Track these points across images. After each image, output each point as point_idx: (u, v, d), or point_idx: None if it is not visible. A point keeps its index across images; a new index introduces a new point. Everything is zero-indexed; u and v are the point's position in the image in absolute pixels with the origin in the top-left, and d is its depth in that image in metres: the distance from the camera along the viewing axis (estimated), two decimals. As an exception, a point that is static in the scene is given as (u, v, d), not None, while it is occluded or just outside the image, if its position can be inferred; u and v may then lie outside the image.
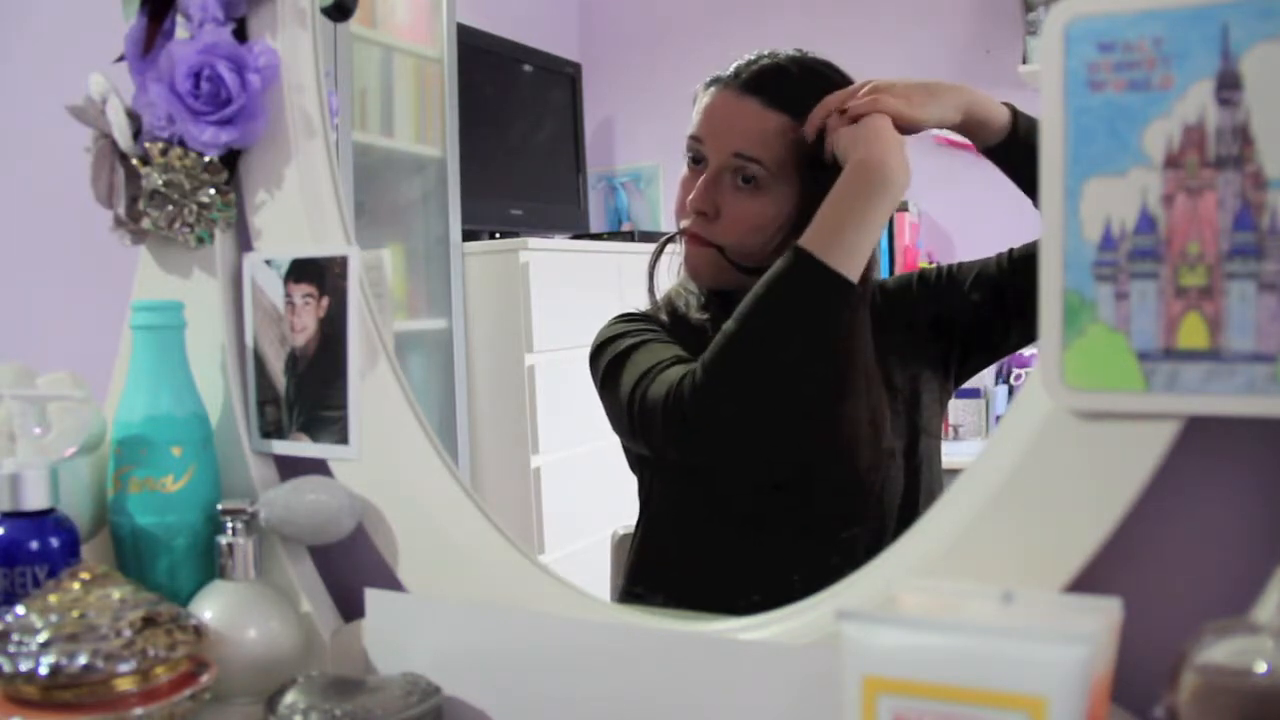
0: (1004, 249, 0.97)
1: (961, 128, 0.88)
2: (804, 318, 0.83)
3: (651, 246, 1.01)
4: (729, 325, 0.84)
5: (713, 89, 0.94)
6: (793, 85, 0.92)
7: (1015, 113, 0.90)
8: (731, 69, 0.94)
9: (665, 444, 0.89)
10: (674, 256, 1.00)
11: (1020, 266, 0.94)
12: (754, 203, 0.91)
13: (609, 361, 0.94)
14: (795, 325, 0.83)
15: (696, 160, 0.94)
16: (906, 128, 0.86)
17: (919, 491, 0.96)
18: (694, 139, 0.94)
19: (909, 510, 0.95)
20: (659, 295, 1.01)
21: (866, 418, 0.92)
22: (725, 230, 0.92)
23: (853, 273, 0.82)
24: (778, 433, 0.87)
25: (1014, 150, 0.88)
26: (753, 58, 0.94)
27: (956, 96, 0.88)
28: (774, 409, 0.84)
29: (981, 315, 0.97)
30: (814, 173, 0.90)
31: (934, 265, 1.03)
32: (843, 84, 0.93)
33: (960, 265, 1.00)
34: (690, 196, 0.93)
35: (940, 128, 0.88)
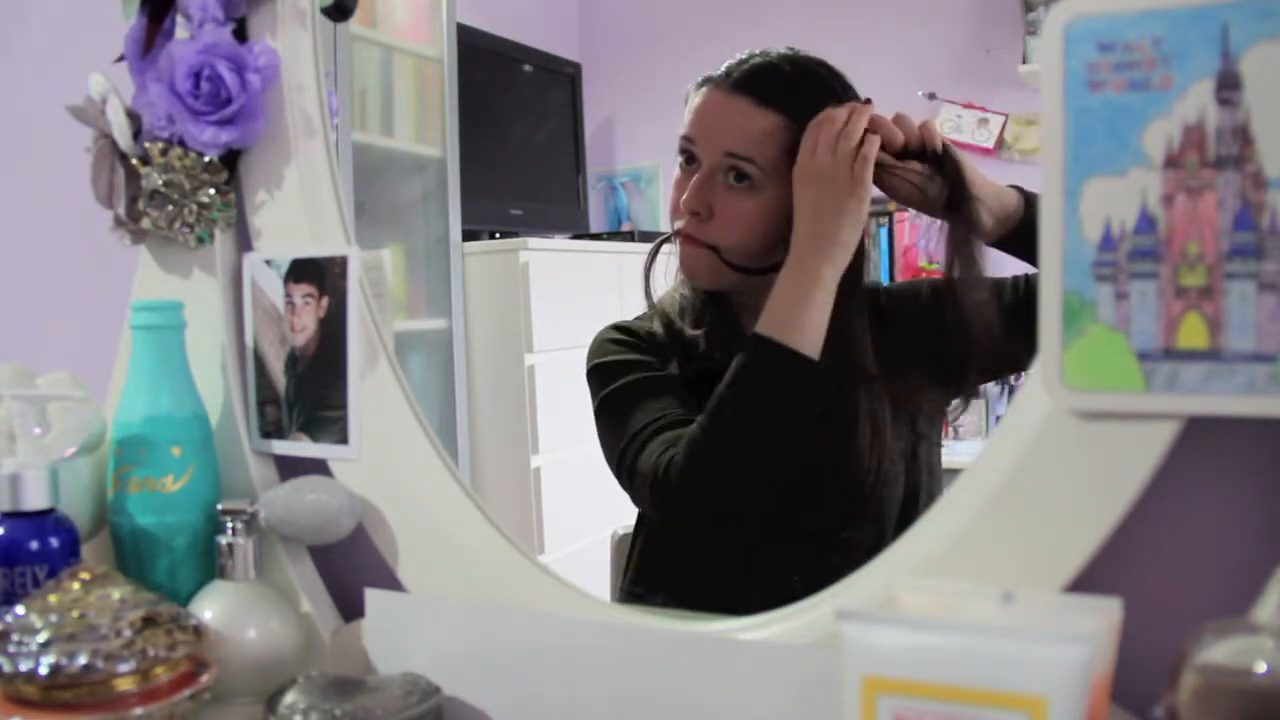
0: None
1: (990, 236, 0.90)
2: (775, 402, 0.86)
3: (651, 247, 1.01)
4: (704, 418, 0.87)
5: (704, 88, 0.94)
6: (785, 84, 0.92)
7: (1026, 195, 0.90)
8: (723, 68, 0.93)
9: (656, 516, 0.95)
10: (670, 258, 1.00)
11: (1031, 295, 0.94)
12: (748, 202, 0.91)
13: (603, 398, 0.97)
14: (768, 410, 0.86)
15: (689, 160, 0.94)
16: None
17: (919, 493, 0.96)
18: (686, 139, 0.94)
19: (909, 511, 0.95)
20: (656, 297, 1.01)
21: (867, 423, 0.92)
22: (719, 230, 0.92)
23: (814, 347, 0.86)
24: (759, 501, 0.90)
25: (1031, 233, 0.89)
26: (744, 57, 0.94)
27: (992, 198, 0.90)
28: (753, 486, 0.88)
29: (988, 348, 0.96)
30: None
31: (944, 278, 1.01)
32: (836, 84, 0.94)
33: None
34: (683, 197, 0.93)
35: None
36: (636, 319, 1.03)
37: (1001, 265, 0.95)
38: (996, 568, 0.60)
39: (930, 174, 0.89)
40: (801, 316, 0.86)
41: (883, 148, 0.88)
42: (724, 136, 0.91)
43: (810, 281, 0.86)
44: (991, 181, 0.91)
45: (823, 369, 0.86)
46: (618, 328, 1.02)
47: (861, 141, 0.86)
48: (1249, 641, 0.47)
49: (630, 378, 0.96)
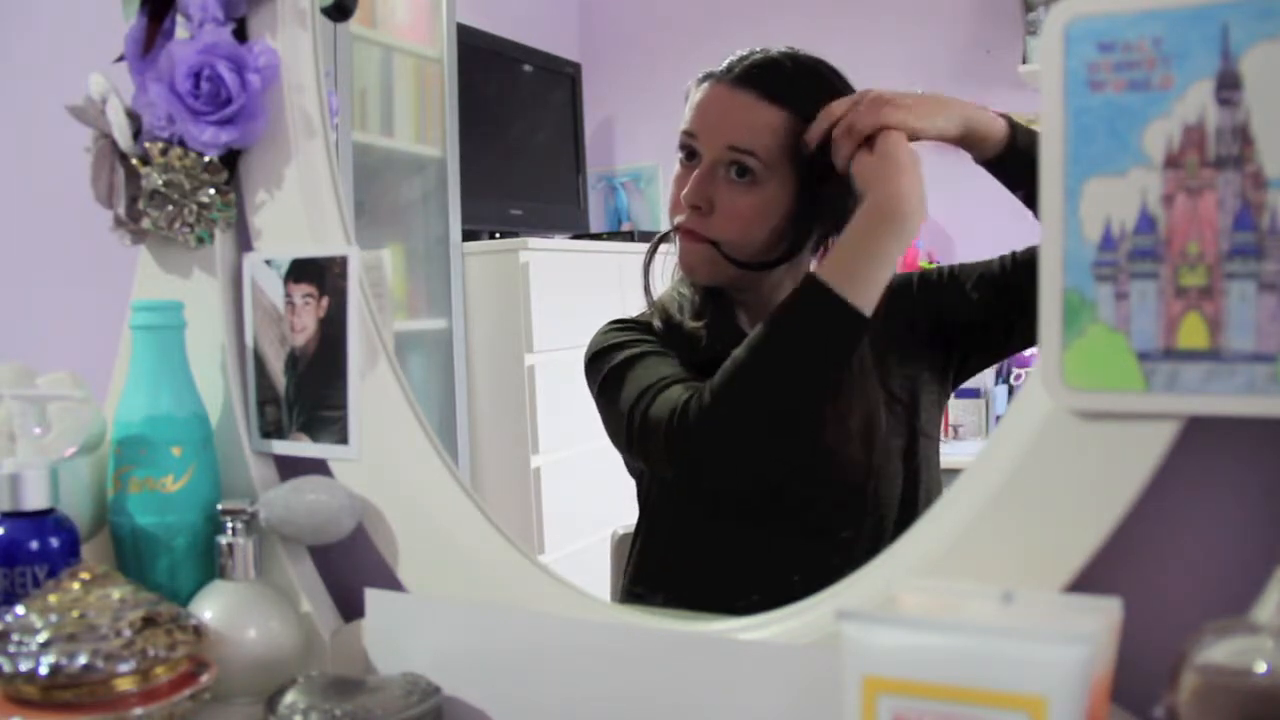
0: (1004, 249, 0.97)
1: (960, 140, 0.88)
2: (817, 349, 0.83)
3: (651, 243, 1.01)
4: (739, 353, 0.83)
5: (706, 84, 0.94)
6: (787, 79, 0.92)
7: (1013, 125, 0.89)
8: (725, 64, 0.93)
9: (665, 463, 0.89)
10: (669, 257, 1.00)
11: (1023, 269, 0.94)
12: (749, 196, 0.91)
13: (607, 373, 0.94)
14: (808, 356, 0.83)
15: (690, 156, 0.94)
16: (908, 139, 0.85)
17: (918, 492, 0.96)
18: (687, 134, 0.94)
19: (908, 511, 0.95)
20: (655, 295, 1.01)
21: (863, 420, 0.92)
22: (720, 225, 0.92)
23: (866, 306, 0.82)
24: (778, 455, 0.86)
25: (1013, 162, 0.88)
26: (745, 53, 0.94)
27: (956, 109, 0.88)
28: (777, 433, 0.84)
29: (983, 317, 0.97)
30: (810, 166, 0.90)
31: (935, 265, 1.03)
32: (836, 81, 0.94)
33: (962, 266, 1.00)
34: (684, 191, 0.92)
35: (939, 140, 0.88)
36: (638, 316, 1.03)
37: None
38: (996, 568, 0.60)
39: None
40: (867, 270, 0.82)
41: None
42: (727, 130, 0.91)
43: (888, 239, 0.82)
44: (954, 113, 0.88)
45: (870, 326, 0.83)
46: (617, 321, 1.01)
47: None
48: (1249, 641, 0.47)
49: (634, 350, 0.94)
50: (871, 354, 0.92)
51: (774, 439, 0.83)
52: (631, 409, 0.88)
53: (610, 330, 1.00)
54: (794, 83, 0.92)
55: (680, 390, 0.86)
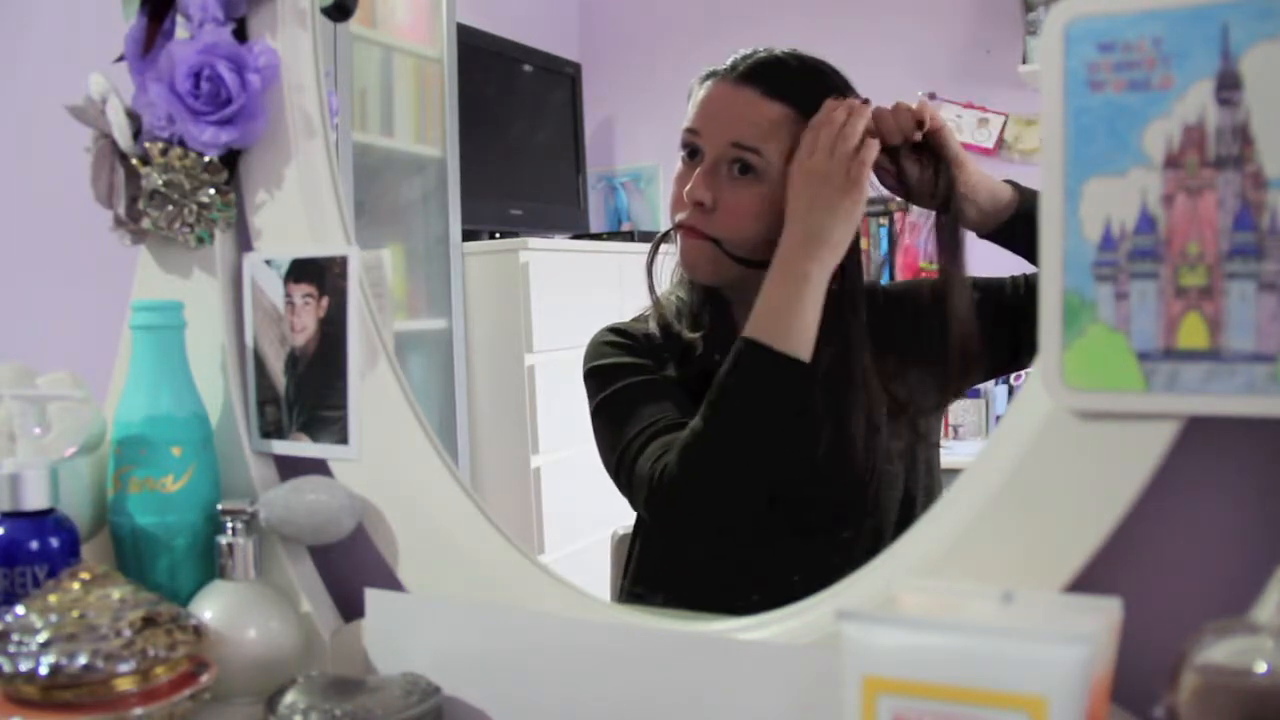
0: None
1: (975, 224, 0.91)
2: (765, 405, 0.86)
3: (654, 241, 1.01)
4: (695, 422, 0.87)
5: (709, 82, 0.94)
6: (790, 76, 0.93)
7: (1020, 190, 0.91)
8: (728, 62, 0.94)
9: (653, 520, 0.95)
10: (669, 257, 1.00)
11: (1033, 293, 0.94)
12: (752, 193, 0.91)
13: (599, 401, 0.97)
14: (758, 414, 0.86)
15: (692, 154, 0.94)
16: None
17: (918, 493, 0.96)
18: (690, 131, 0.94)
19: (908, 511, 0.95)
20: (659, 292, 1.01)
21: (863, 423, 0.92)
22: (722, 222, 0.92)
23: (804, 348, 0.85)
24: (752, 500, 0.89)
25: (1021, 226, 0.90)
26: (749, 52, 0.94)
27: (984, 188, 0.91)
28: (748, 487, 0.88)
29: (990, 335, 0.96)
30: None
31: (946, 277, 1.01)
32: (838, 81, 0.94)
33: (974, 281, 0.99)
34: (687, 188, 0.93)
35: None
36: (633, 320, 1.03)
37: (1002, 265, 0.96)
38: (996, 568, 0.60)
39: (923, 166, 0.90)
40: (789, 318, 0.86)
41: (883, 147, 0.88)
42: (730, 127, 0.91)
43: (798, 282, 0.86)
44: (985, 175, 0.91)
45: (814, 368, 0.86)
46: (614, 330, 1.01)
47: (860, 144, 0.87)
48: (1249, 641, 0.47)
49: (626, 381, 0.96)
50: (873, 357, 0.92)
51: (743, 492, 0.88)
52: (619, 458, 0.93)
53: (605, 343, 1.00)
54: (797, 80, 0.92)
55: (657, 447, 0.89)
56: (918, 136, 0.90)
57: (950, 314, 0.92)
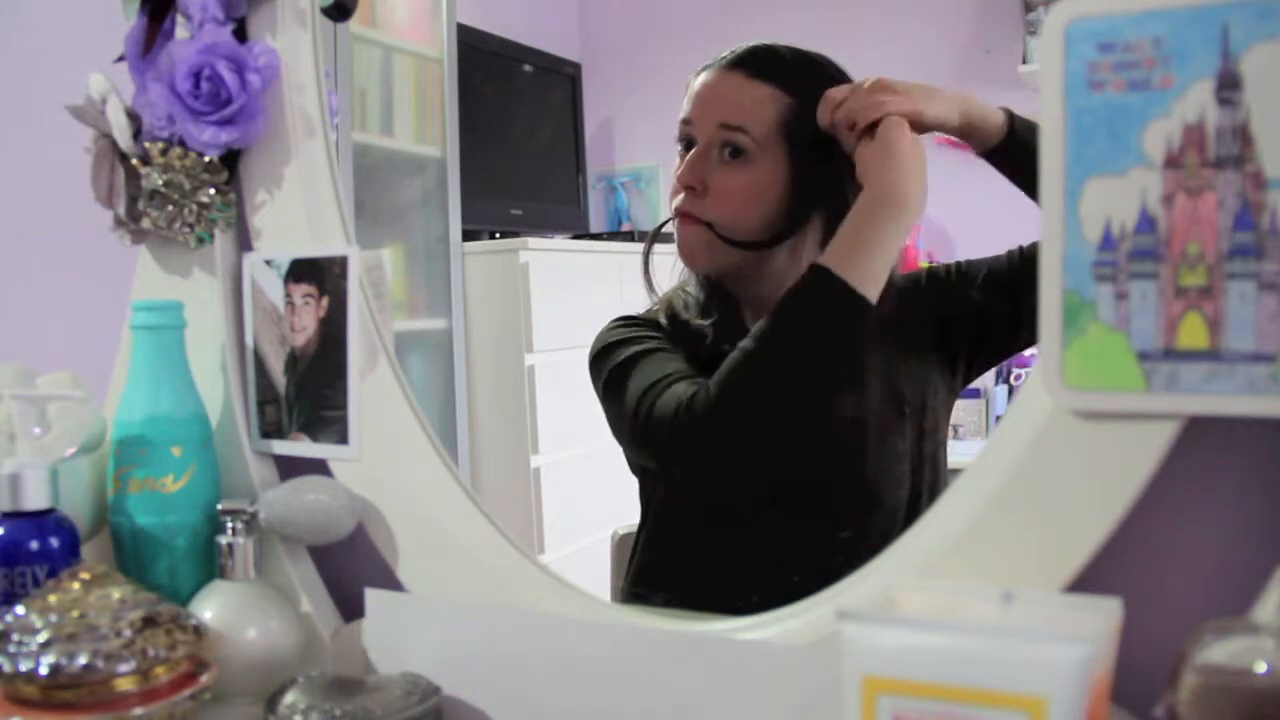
0: (1005, 247, 0.97)
1: (959, 130, 0.89)
2: (823, 336, 0.83)
3: (651, 231, 1.01)
4: (745, 343, 0.83)
5: (702, 74, 0.95)
6: (781, 61, 0.93)
7: (1012, 115, 0.90)
8: (721, 54, 0.95)
9: (670, 458, 0.89)
10: (672, 260, 1.00)
11: (1031, 263, 0.94)
12: (742, 175, 0.91)
13: (612, 369, 0.94)
14: (814, 343, 0.82)
15: (688, 146, 0.95)
16: (911, 127, 0.86)
17: (923, 492, 0.96)
18: (684, 123, 0.95)
19: (913, 511, 0.94)
20: (657, 287, 1.01)
21: (867, 420, 0.92)
22: (714, 205, 0.92)
23: (871, 293, 0.83)
24: (784, 450, 0.86)
25: (1013, 152, 0.88)
26: (742, 45, 0.95)
27: (955, 100, 0.88)
28: (785, 427, 0.84)
29: (991, 312, 0.97)
30: (804, 143, 0.91)
31: (942, 264, 1.02)
32: (830, 69, 0.94)
33: (970, 262, 1.00)
34: (680, 171, 0.93)
35: (939, 129, 0.88)
36: (643, 313, 1.03)
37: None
38: (996, 568, 0.60)
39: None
40: (870, 257, 0.83)
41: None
42: (718, 110, 0.92)
43: (887, 227, 0.83)
44: (955, 104, 0.88)
45: (876, 313, 0.83)
46: (622, 318, 1.01)
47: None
48: (1249, 641, 0.47)
49: (639, 347, 0.94)
50: (878, 353, 0.92)
51: (781, 431, 0.83)
52: (637, 405, 0.88)
53: (615, 327, 1.00)
54: (784, 64, 0.93)
55: (686, 386, 0.85)
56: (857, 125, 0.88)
57: (951, 295, 0.90)
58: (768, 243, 0.92)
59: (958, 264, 1.01)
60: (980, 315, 0.98)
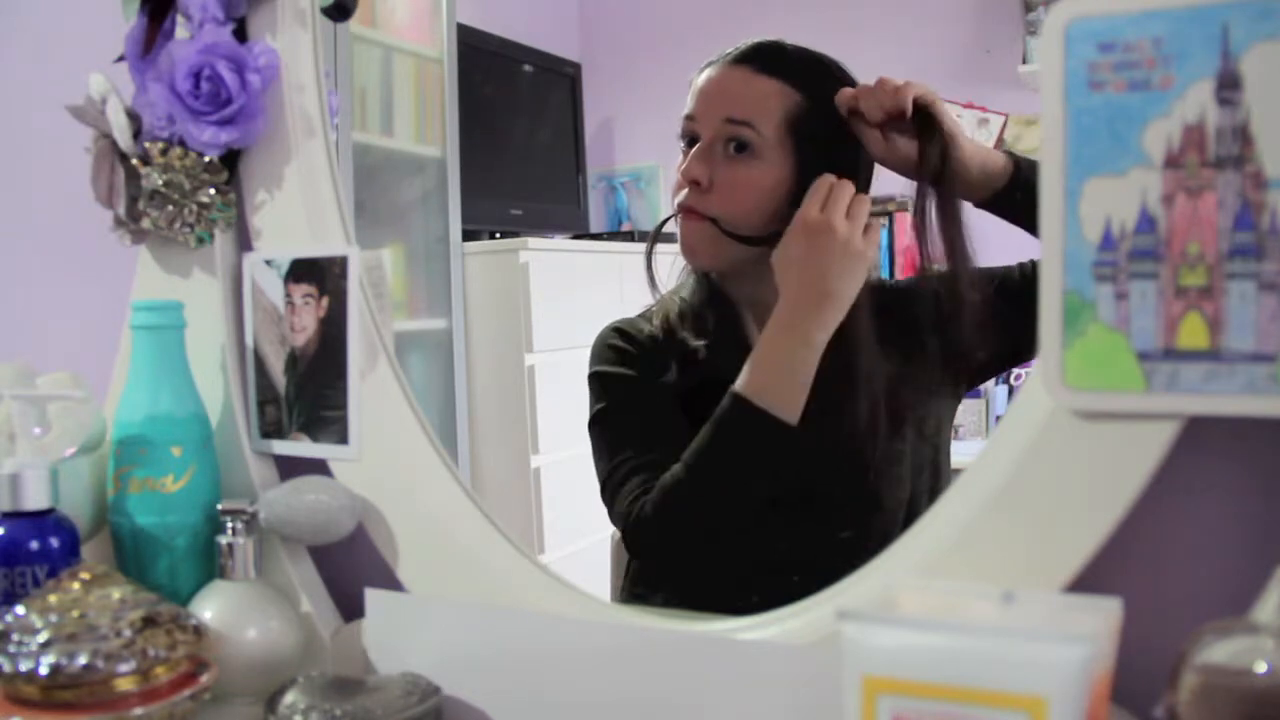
0: (1004, 247, 0.97)
1: (975, 179, 0.90)
2: (745, 465, 0.87)
3: (654, 228, 1.01)
4: (677, 468, 0.88)
5: (706, 70, 0.95)
6: (787, 56, 0.94)
7: (1015, 158, 0.91)
8: (725, 51, 0.95)
9: (628, 552, 0.97)
10: (671, 258, 1.00)
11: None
12: (747, 169, 0.91)
13: (594, 414, 0.99)
14: (737, 472, 0.87)
15: (691, 142, 0.94)
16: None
17: (923, 492, 0.96)
18: (687, 119, 0.95)
19: (914, 511, 0.94)
20: (659, 284, 1.01)
21: (866, 424, 0.92)
22: (719, 200, 0.92)
23: (792, 414, 0.86)
24: (720, 546, 0.91)
25: (1021, 193, 0.89)
26: (747, 41, 0.95)
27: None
28: (716, 540, 0.90)
29: (1000, 323, 0.95)
30: (810, 139, 0.91)
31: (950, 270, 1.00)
32: (841, 73, 0.95)
33: (980, 271, 0.98)
34: (683, 166, 0.93)
35: (954, 154, 0.89)
36: (640, 316, 1.03)
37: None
38: (996, 568, 0.60)
39: (914, 139, 0.89)
40: (785, 380, 0.86)
41: (865, 119, 0.89)
42: (722, 104, 0.92)
43: (800, 345, 0.86)
44: (977, 146, 0.91)
45: (799, 434, 0.87)
46: (619, 331, 1.01)
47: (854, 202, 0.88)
48: (1249, 641, 0.47)
49: (621, 398, 0.98)
50: (878, 356, 0.92)
51: (716, 538, 0.90)
52: (604, 484, 0.95)
53: (610, 347, 1.00)
54: (791, 60, 0.93)
55: (635, 485, 0.91)
56: (906, 113, 0.89)
57: (959, 298, 0.91)
58: (772, 238, 0.92)
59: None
60: (989, 325, 0.96)
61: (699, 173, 0.92)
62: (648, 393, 0.97)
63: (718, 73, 0.94)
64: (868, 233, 0.87)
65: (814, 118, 0.91)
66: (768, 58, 0.93)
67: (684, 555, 0.92)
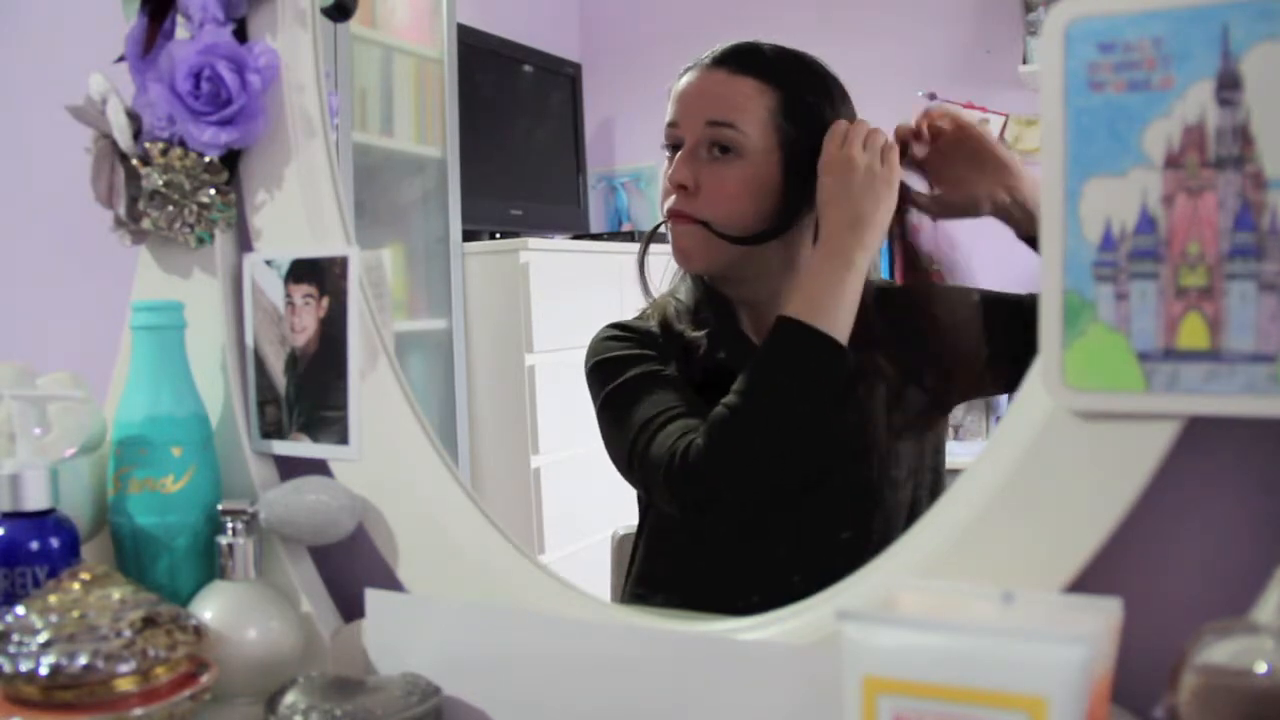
0: (1007, 247, 0.96)
1: (1017, 208, 0.89)
2: (800, 385, 0.86)
3: (652, 247, 1.01)
4: (730, 399, 0.86)
5: (684, 76, 0.95)
6: (763, 56, 0.94)
7: None
8: (700, 57, 0.96)
9: (664, 501, 0.92)
10: (662, 259, 1.00)
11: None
12: (733, 170, 0.92)
13: (609, 391, 0.96)
14: (792, 393, 0.86)
15: (676, 148, 0.94)
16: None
17: (924, 493, 0.96)
18: (670, 125, 0.95)
19: (914, 512, 0.94)
20: (652, 289, 1.01)
21: (871, 424, 0.92)
22: (708, 203, 0.92)
23: (841, 332, 0.85)
24: (777, 487, 0.89)
25: None
26: (721, 45, 0.96)
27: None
28: (774, 470, 0.87)
29: (1006, 351, 0.94)
30: (793, 135, 0.91)
31: (964, 284, 0.99)
32: (819, 69, 0.95)
33: (995, 294, 0.98)
34: (670, 171, 0.93)
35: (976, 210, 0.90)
36: (635, 319, 1.03)
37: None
38: (996, 568, 0.60)
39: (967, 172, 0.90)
40: (833, 299, 0.85)
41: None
42: (703, 107, 0.93)
43: (842, 267, 0.86)
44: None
45: (849, 355, 0.85)
46: (616, 326, 1.01)
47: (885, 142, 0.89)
48: (1249, 642, 0.47)
49: (634, 372, 0.95)
50: (883, 359, 0.92)
51: (771, 476, 0.87)
52: (632, 443, 0.90)
53: (608, 339, 1.00)
54: (766, 59, 0.94)
55: (677, 428, 0.88)
56: (918, 150, 0.90)
57: (962, 327, 0.93)
58: (764, 237, 0.92)
59: (981, 291, 0.99)
60: (993, 350, 0.95)
61: (685, 176, 0.92)
62: (660, 371, 0.96)
63: (696, 77, 0.94)
64: (886, 158, 0.88)
65: (794, 114, 0.91)
66: (744, 58, 0.93)
67: (739, 490, 0.87)
